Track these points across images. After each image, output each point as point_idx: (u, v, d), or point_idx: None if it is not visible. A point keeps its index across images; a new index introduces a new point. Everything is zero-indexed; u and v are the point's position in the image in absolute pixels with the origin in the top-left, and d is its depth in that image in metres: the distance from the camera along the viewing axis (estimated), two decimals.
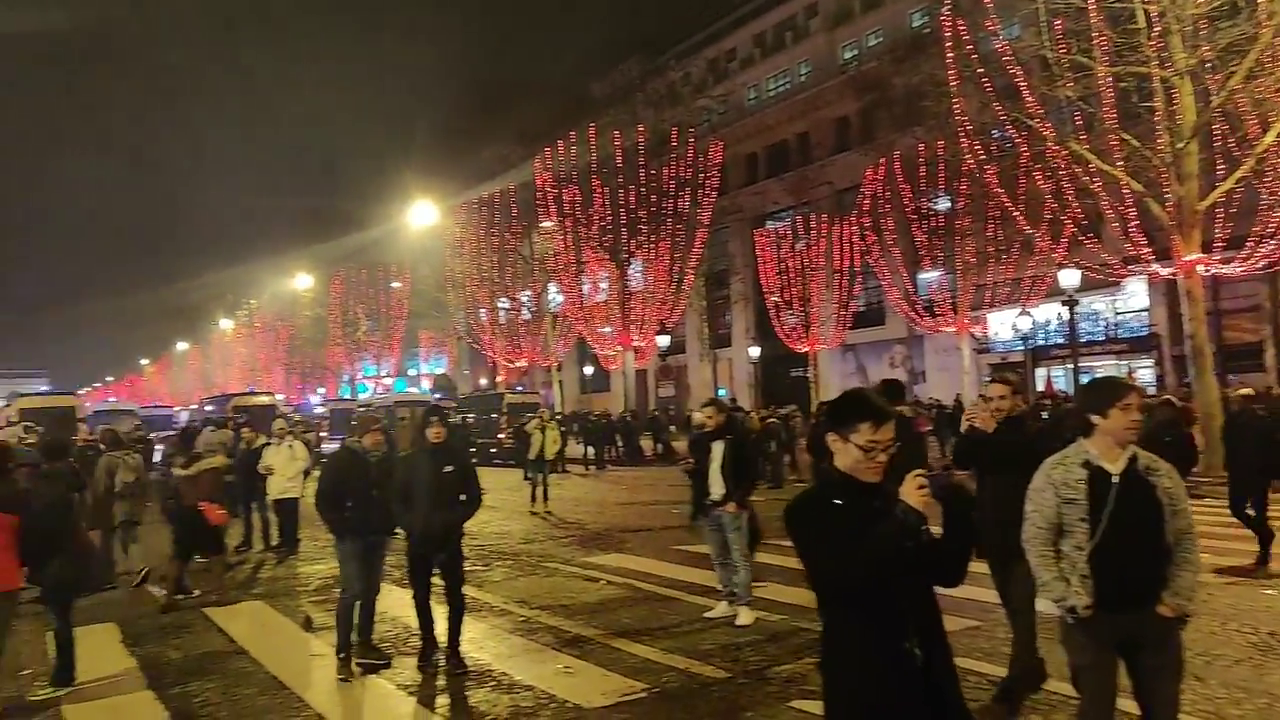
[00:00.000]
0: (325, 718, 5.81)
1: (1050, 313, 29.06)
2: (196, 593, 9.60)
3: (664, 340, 33.53)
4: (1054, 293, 25.14)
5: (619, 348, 34.68)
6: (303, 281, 56.97)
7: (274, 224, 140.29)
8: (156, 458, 24.31)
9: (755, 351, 41.51)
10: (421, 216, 32.10)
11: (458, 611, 6.65)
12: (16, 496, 6.45)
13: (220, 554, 9.98)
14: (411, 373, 64.57)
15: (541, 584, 9.94)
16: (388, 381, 55.04)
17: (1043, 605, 4.35)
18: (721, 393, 39.90)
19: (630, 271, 34.31)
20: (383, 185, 49.16)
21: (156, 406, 51.81)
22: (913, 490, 2.60)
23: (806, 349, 35.74)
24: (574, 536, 13.69)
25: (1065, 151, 19.01)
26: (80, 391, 49.03)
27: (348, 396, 52.80)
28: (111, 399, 79.43)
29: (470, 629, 7.95)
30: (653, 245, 33.21)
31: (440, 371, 54.78)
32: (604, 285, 35.30)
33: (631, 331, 33.86)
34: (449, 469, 6.54)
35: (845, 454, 2.70)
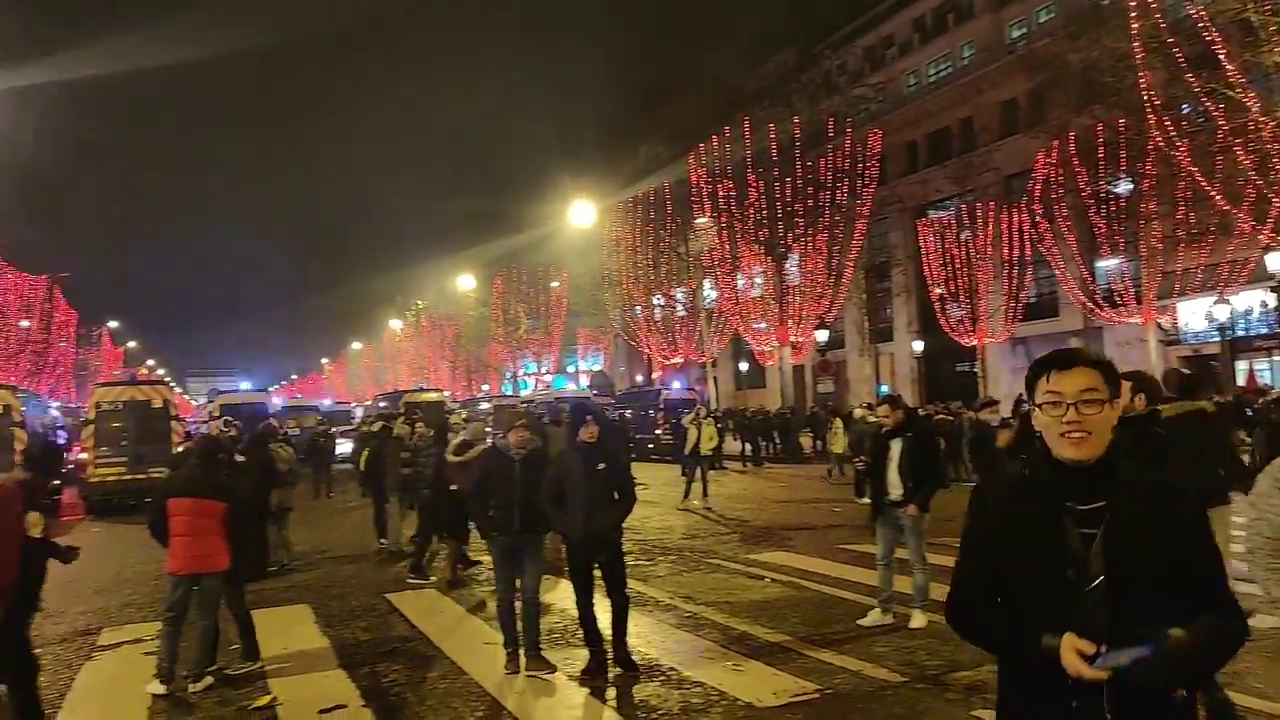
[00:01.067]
0: (503, 705, 5.97)
1: (1252, 300, 26.60)
2: (433, 578, 10.24)
3: (822, 335, 32.85)
4: (1258, 278, 22.98)
5: (775, 343, 34.27)
6: (466, 282, 59.40)
7: (441, 227, 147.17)
8: (343, 449, 26.10)
9: (919, 346, 40.10)
10: (581, 216, 32.74)
11: (621, 610, 6.52)
12: (225, 485, 7.00)
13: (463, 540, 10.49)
14: (570, 369, 66.18)
15: (705, 580, 9.91)
16: (548, 378, 56.56)
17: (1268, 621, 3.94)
18: (883, 389, 38.77)
19: (787, 266, 33.84)
20: (544, 186, 50.39)
21: (337, 402, 55.34)
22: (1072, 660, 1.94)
23: (974, 342, 34.21)
24: (736, 533, 13.60)
25: (1274, 122, 17.32)
26: (270, 389, 52.90)
27: (510, 393, 54.71)
28: (298, 396, 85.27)
29: (636, 623, 8.00)
30: (810, 238, 32.62)
31: (598, 368, 55.84)
32: (759, 280, 34.98)
33: (789, 326, 33.40)
34: (602, 467, 6.41)
35: (1039, 422, 2.14)
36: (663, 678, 6.38)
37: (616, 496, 6.54)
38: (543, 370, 57.74)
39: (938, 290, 34.41)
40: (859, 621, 7.58)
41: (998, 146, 37.06)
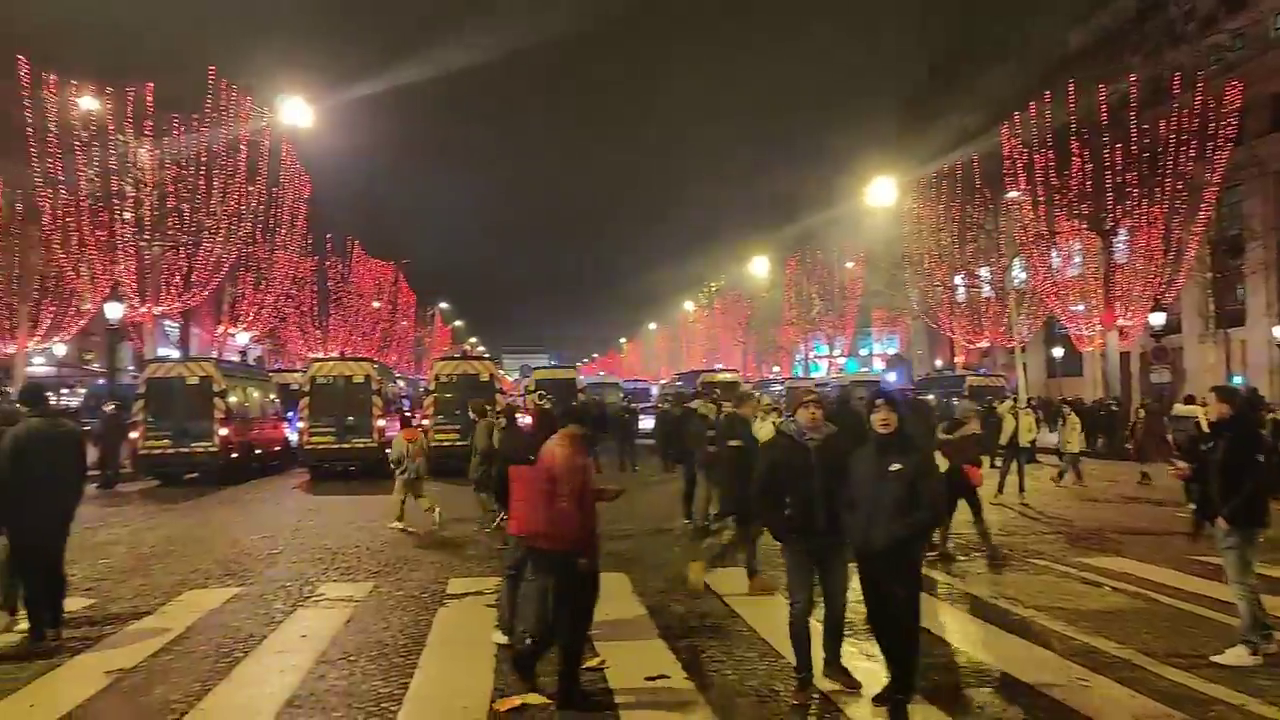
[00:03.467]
0: (828, 697, 5.80)
1: None
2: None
3: (1158, 318, 29.22)
4: None
5: (1099, 327, 31.05)
6: (759, 265, 59.71)
7: (737, 211, 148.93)
8: (644, 425, 27.27)
9: (1279, 331, 34.64)
10: (880, 194, 31.58)
11: (904, 660, 5.26)
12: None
13: (979, 515, 10.46)
14: (863, 352, 64.52)
15: (1031, 582, 9.14)
16: (840, 361, 55.52)
17: None
18: (1237, 380, 33.97)
19: (1115, 241, 30.47)
20: (842, 165, 49.46)
21: (637, 380, 58.02)
22: None
23: None
24: (1060, 532, 12.49)
25: None
26: (577, 366, 56.49)
27: (799, 375, 54.37)
28: (601, 373, 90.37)
29: (962, 623, 7.56)
30: (1144, 210, 29.13)
31: (893, 351, 53.95)
32: (1079, 258, 31.83)
33: (1116, 308, 30.12)
34: (896, 467, 5.20)
35: None
36: (995, 685, 5.91)
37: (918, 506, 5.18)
38: (835, 352, 56.75)
39: None
40: (1214, 658, 6.37)
41: None
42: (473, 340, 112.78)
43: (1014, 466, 16.42)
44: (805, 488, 5.58)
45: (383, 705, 5.71)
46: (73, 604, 7.85)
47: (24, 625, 7.27)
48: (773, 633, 7.15)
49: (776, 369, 64.43)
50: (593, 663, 6.40)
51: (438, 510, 12.81)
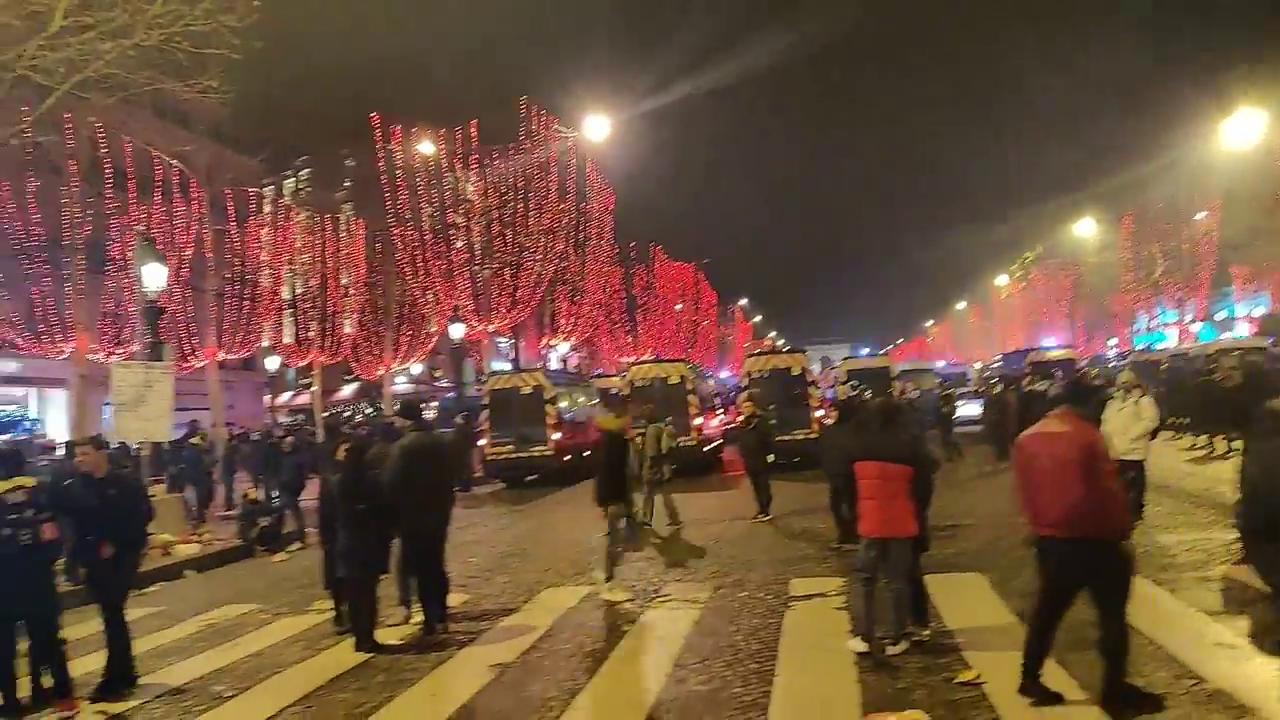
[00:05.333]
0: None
1: None
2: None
3: None
4: None
5: None
6: (1085, 226, 54.12)
7: (1047, 171, 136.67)
8: (964, 411, 25.59)
9: None
10: (1241, 129, 27.27)
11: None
12: (910, 449, 6.93)
13: None
14: (1219, 316, 56.35)
15: None
16: (1193, 328, 48.87)
17: None
18: None
19: None
20: (1181, 103, 43.43)
21: (953, 364, 55.02)
22: None
23: None
24: None
25: None
26: (883, 353, 54.60)
27: (1141, 347, 48.52)
28: (914, 358, 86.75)
29: None
30: None
31: (1264, 311, 46.45)
32: None
33: None
34: None
35: None
36: None
37: None
38: (1186, 319, 49.98)
39: None
40: None
41: None
42: (772, 335, 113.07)
43: None
44: None
45: (749, 715, 5.57)
46: (452, 599, 8.56)
47: (419, 619, 8.06)
48: (1181, 648, 6.16)
49: (1112, 342, 58.06)
50: (967, 676, 5.87)
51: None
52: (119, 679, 6.87)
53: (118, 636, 6.96)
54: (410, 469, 7.65)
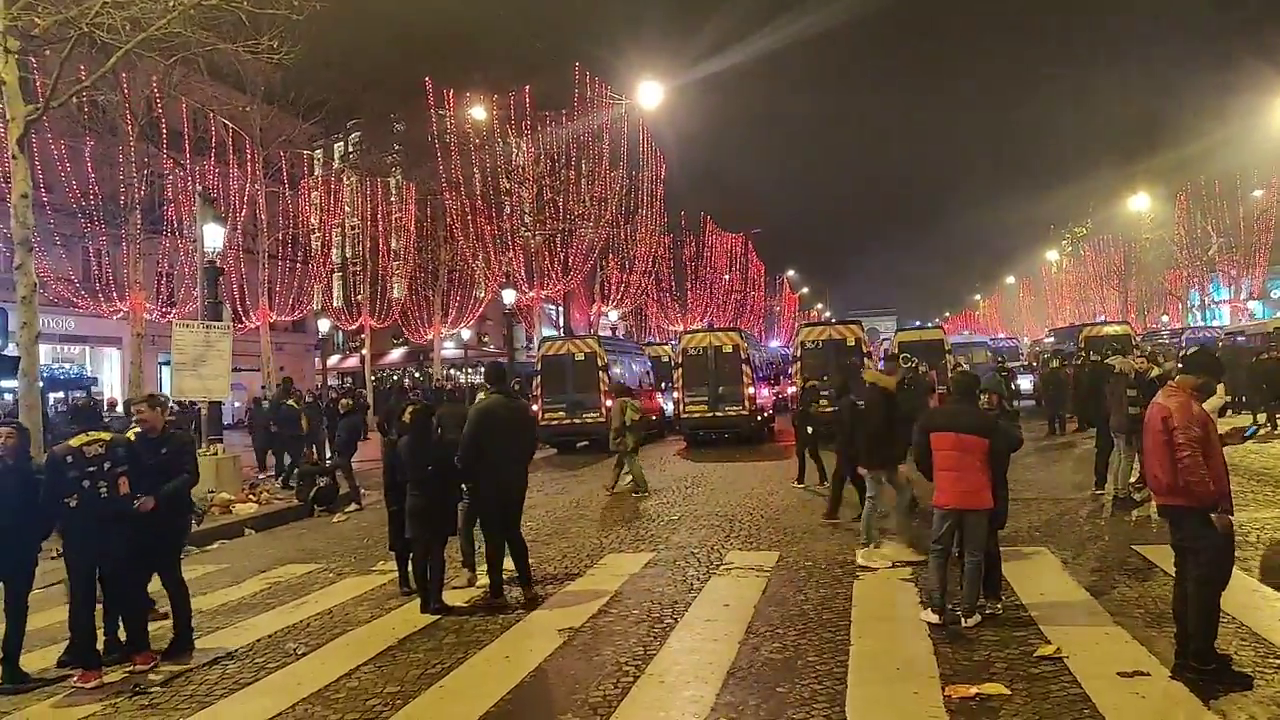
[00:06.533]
0: None
1: None
2: None
3: None
4: None
5: None
6: (1139, 201, 52.75)
7: (1096, 147, 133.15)
8: (1024, 384, 25.23)
9: None
10: None
11: None
12: (987, 421, 6.82)
13: None
14: (1276, 295, 54.79)
15: None
16: (1250, 306, 47.58)
17: None
18: None
19: None
20: (1236, 78, 41.96)
21: (1005, 338, 54.28)
22: None
23: None
24: None
25: None
26: (934, 325, 53.88)
27: (1197, 324, 47.34)
28: (966, 331, 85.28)
29: None
30: None
31: None
32: None
33: None
34: None
35: None
36: None
37: None
38: (1240, 296, 48.65)
39: None
40: None
41: None
42: (819, 306, 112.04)
43: None
44: None
45: (824, 684, 5.54)
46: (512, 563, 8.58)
47: (483, 581, 8.12)
48: (1269, 626, 6.02)
49: (1165, 318, 56.73)
50: (1047, 650, 5.79)
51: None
52: (182, 638, 6.93)
53: (174, 597, 7.01)
54: (487, 431, 7.65)
